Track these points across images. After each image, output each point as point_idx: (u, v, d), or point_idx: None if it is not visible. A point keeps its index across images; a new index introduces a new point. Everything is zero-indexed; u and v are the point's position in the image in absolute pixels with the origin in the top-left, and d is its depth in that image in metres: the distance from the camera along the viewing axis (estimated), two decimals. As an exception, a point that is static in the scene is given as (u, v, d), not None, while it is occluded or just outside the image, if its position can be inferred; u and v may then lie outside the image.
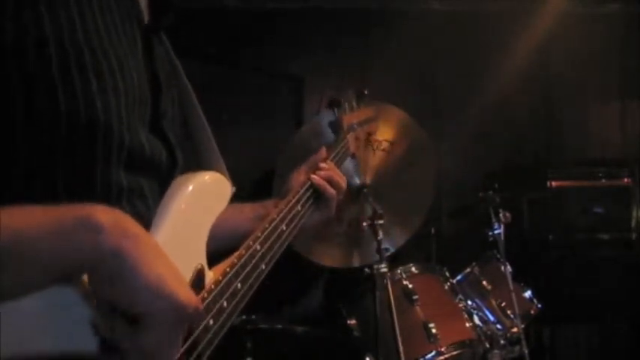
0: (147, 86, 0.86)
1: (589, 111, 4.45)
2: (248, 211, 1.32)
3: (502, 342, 2.75)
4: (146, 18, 0.91)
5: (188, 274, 0.85)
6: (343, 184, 1.44)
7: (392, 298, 2.23)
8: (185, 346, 0.77)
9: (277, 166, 2.47)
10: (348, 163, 1.83)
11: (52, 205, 0.65)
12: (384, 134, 2.50)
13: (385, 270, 2.27)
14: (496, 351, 2.71)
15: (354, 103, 1.84)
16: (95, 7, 0.77)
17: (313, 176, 1.39)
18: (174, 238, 0.85)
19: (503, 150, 4.23)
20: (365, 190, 2.43)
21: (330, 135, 2.46)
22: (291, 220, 1.21)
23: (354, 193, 2.45)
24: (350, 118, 1.77)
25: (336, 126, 1.71)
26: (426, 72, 4.23)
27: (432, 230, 3.42)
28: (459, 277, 2.91)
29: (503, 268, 2.83)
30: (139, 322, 0.67)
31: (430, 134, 2.63)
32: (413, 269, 2.66)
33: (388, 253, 2.40)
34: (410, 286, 2.56)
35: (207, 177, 0.97)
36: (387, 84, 4.11)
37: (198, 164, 1.04)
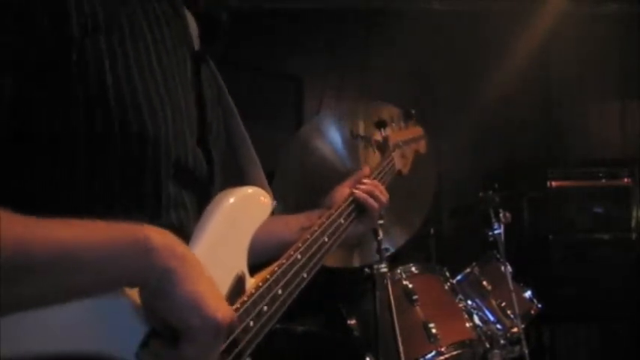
0: (193, 105, 0.95)
1: (589, 111, 4.45)
2: (293, 223, 1.38)
3: (502, 342, 2.75)
4: (196, 44, 1.01)
5: (228, 280, 0.93)
6: (384, 198, 1.51)
7: (392, 298, 2.23)
8: (225, 345, 0.84)
9: (277, 166, 2.47)
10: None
11: (113, 221, 0.73)
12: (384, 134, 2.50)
13: (385, 270, 2.27)
14: (496, 351, 2.71)
15: (402, 123, 1.89)
16: (148, 38, 0.86)
17: (355, 190, 1.46)
18: (213, 247, 0.92)
19: (503, 150, 4.23)
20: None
21: (332, 135, 2.47)
22: (333, 232, 1.27)
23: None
24: (396, 137, 1.82)
25: (381, 145, 1.77)
26: (425, 72, 4.23)
27: (432, 230, 3.42)
28: (459, 277, 2.91)
29: (503, 268, 2.83)
30: (180, 336, 0.74)
31: (430, 134, 2.63)
32: (413, 269, 2.66)
33: (388, 253, 2.40)
34: (410, 286, 2.56)
35: (249, 191, 1.05)
36: (387, 84, 4.11)
37: (241, 179, 1.12)
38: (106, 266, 0.71)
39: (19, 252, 0.65)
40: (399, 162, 1.79)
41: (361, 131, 2.46)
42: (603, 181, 3.91)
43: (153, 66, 0.85)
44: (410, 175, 2.08)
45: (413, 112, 1.97)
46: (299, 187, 2.46)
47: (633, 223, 3.88)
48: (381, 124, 1.81)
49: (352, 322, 2.60)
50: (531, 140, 4.33)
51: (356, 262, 2.59)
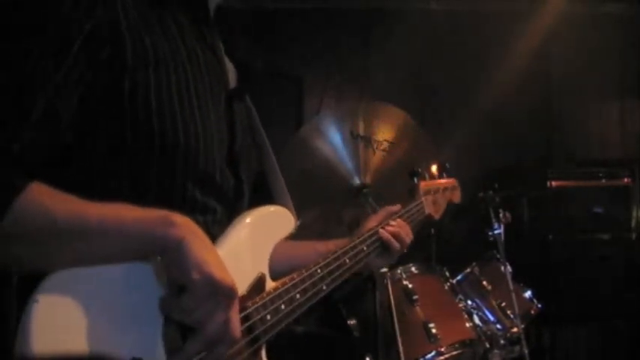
0: (225, 131, 1.14)
1: (589, 111, 4.45)
2: (322, 248, 1.51)
3: (502, 342, 2.75)
4: (232, 82, 1.22)
5: (250, 277, 1.11)
6: (408, 239, 1.67)
7: (392, 298, 2.23)
8: (244, 327, 1.02)
9: (278, 166, 2.47)
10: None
11: (146, 204, 0.94)
12: (384, 134, 2.50)
13: (385, 270, 2.27)
14: (496, 351, 2.71)
15: (436, 173, 2.07)
16: (189, 74, 1.06)
17: (381, 230, 1.61)
18: (238, 247, 1.10)
19: (503, 150, 4.23)
20: (365, 190, 2.43)
21: (332, 135, 2.47)
22: (355, 256, 1.44)
23: (354, 194, 2.45)
24: (428, 185, 1.98)
25: (413, 190, 1.94)
26: (425, 72, 4.23)
27: (432, 230, 3.42)
28: (459, 277, 2.91)
29: (503, 268, 2.83)
30: (184, 289, 0.90)
31: (430, 134, 2.63)
32: (413, 269, 2.66)
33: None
34: (410, 286, 2.56)
35: (272, 209, 1.23)
36: (387, 84, 4.11)
37: (269, 199, 1.31)
38: (136, 236, 0.90)
39: (76, 219, 0.87)
40: (431, 207, 1.96)
41: (361, 131, 2.46)
42: (603, 181, 3.91)
43: (191, 95, 1.05)
44: (409, 175, 2.09)
45: (447, 165, 2.14)
46: (299, 186, 2.46)
47: (633, 223, 3.88)
48: (414, 174, 1.99)
49: (352, 322, 2.60)
50: (531, 140, 4.33)
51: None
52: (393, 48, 4.04)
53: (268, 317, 1.09)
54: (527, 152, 4.29)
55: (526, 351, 2.73)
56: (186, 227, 0.93)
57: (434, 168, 2.08)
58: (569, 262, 3.81)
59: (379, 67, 4.12)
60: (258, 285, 1.11)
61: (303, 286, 1.20)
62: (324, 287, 1.27)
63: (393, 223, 1.66)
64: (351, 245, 1.45)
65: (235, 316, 0.95)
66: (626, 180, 3.91)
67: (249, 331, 1.05)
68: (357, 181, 2.48)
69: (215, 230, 1.09)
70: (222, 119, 1.14)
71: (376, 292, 2.27)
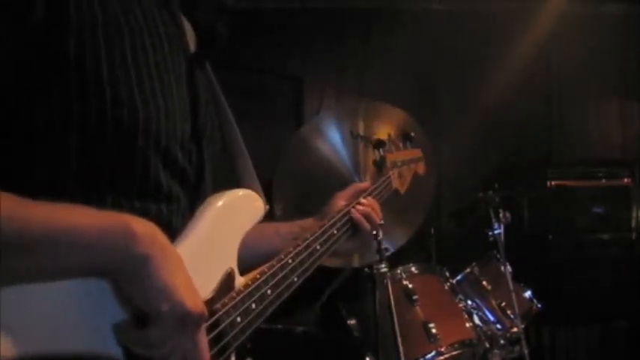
0: (187, 106, 0.99)
1: (589, 111, 4.45)
2: (284, 230, 1.41)
3: (502, 342, 2.75)
4: (192, 48, 1.05)
5: (217, 276, 0.97)
6: (378, 219, 1.55)
7: (392, 298, 2.23)
8: (211, 335, 0.89)
9: (277, 166, 2.47)
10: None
11: (101, 209, 0.78)
12: (384, 134, 2.50)
13: (385, 270, 2.27)
14: (496, 351, 2.71)
15: (400, 144, 1.96)
16: (146, 38, 0.91)
17: (353, 210, 1.49)
18: (203, 243, 0.96)
19: (503, 150, 4.23)
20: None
21: (332, 135, 2.47)
22: (325, 241, 1.31)
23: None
24: (394, 157, 1.89)
25: (379, 164, 1.84)
26: (426, 72, 4.22)
27: (432, 230, 3.42)
28: (459, 277, 2.91)
29: (503, 268, 2.83)
30: (149, 321, 0.77)
31: (430, 134, 2.63)
32: (413, 269, 2.66)
33: (388, 253, 2.40)
34: (410, 286, 2.56)
35: (242, 193, 1.08)
36: (387, 84, 4.11)
37: (235, 183, 1.14)
38: (90, 249, 0.75)
39: (15, 229, 0.69)
40: (397, 181, 1.86)
41: (361, 131, 2.47)
42: (603, 181, 3.91)
43: (149, 64, 0.90)
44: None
45: (412, 134, 2.03)
46: (299, 186, 2.47)
47: (633, 223, 3.88)
48: (379, 145, 1.89)
49: (352, 322, 2.60)
50: (531, 140, 4.32)
51: (356, 262, 2.59)
52: (393, 48, 4.04)
53: (239, 319, 0.96)
54: (527, 152, 4.29)
55: (526, 351, 2.73)
56: (149, 238, 0.78)
57: (399, 138, 1.97)
58: (569, 262, 3.81)
59: (379, 67, 4.11)
60: (227, 283, 0.98)
61: (274, 281, 1.06)
62: (296, 279, 1.14)
63: (363, 201, 1.54)
64: (322, 230, 1.32)
65: (203, 340, 0.84)
66: (626, 180, 3.91)
67: (218, 338, 0.91)
68: (356, 181, 2.48)
69: (178, 222, 0.95)
70: (184, 90, 0.98)
71: (376, 292, 2.27)
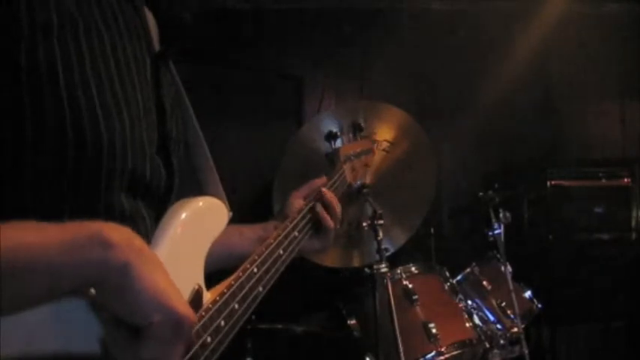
0: (154, 110, 0.91)
1: (589, 111, 4.45)
2: (248, 233, 1.36)
3: (502, 342, 2.75)
4: (156, 46, 0.96)
5: (186, 294, 0.89)
6: (339, 215, 1.47)
7: (392, 298, 2.23)
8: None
9: (277, 166, 2.47)
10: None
11: (61, 222, 0.67)
12: (384, 134, 2.50)
13: (385, 270, 2.27)
14: (496, 351, 2.71)
15: (351, 135, 1.90)
16: (105, 38, 0.81)
17: (317, 204, 1.43)
18: (169, 260, 0.85)
19: (503, 150, 4.23)
20: (365, 190, 2.43)
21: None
22: (288, 245, 1.25)
23: (354, 193, 2.45)
24: (347, 149, 1.82)
25: (332, 157, 1.76)
26: (426, 72, 4.22)
27: (432, 230, 3.42)
28: (459, 277, 2.91)
29: (503, 268, 2.83)
30: (140, 334, 0.70)
31: (430, 134, 2.63)
32: (413, 269, 2.66)
33: (388, 253, 2.40)
34: (410, 286, 2.56)
35: (203, 202, 0.99)
36: (387, 84, 4.11)
37: (197, 188, 1.08)
38: (63, 267, 0.65)
39: None
40: (350, 175, 1.79)
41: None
42: (603, 181, 3.91)
43: (110, 68, 0.82)
44: (410, 175, 2.09)
45: (362, 124, 1.97)
46: (299, 186, 2.46)
47: (633, 223, 3.88)
48: (331, 137, 1.81)
49: (352, 322, 2.60)
50: (531, 140, 4.32)
51: (356, 262, 2.59)
52: (393, 48, 4.04)
53: (209, 340, 0.87)
54: (527, 152, 4.29)
55: (526, 351, 2.73)
56: (125, 244, 0.69)
57: (349, 128, 1.89)
58: (569, 262, 3.81)
59: (379, 67, 4.12)
60: (195, 302, 0.90)
61: (241, 294, 0.99)
62: (261, 289, 1.08)
63: (326, 194, 1.47)
64: (285, 233, 1.26)
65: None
66: (626, 180, 3.91)
67: None
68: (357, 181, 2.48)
69: (148, 238, 0.88)
70: (149, 95, 0.90)
71: (376, 292, 2.27)
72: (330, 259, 2.58)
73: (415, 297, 2.53)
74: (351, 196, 2.43)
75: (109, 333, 0.71)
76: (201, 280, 0.94)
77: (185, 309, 0.73)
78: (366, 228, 2.35)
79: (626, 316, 3.94)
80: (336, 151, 1.79)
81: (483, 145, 4.21)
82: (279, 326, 2.60)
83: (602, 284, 3.76)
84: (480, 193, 2.97)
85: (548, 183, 3.85)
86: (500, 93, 4.09)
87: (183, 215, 0.93)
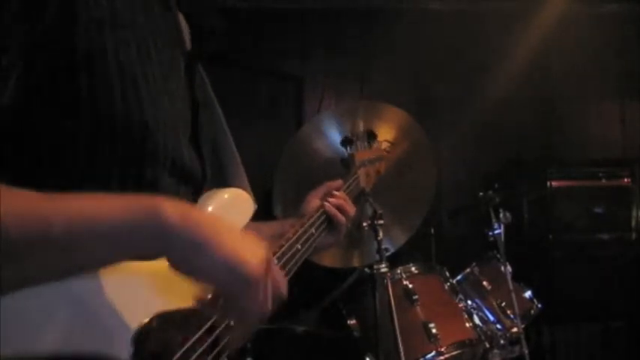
0: (188, 106, 0.99)
1: (589, 111, 4.45)
2: (266, 230, 1.40)
3: (502, 342, 2.75)
4: (188, 44, 1.05)
5: None
6: (352, 213, 1.56)
7: (392, 298, 2.23)
8: (209, 340, 0.88)
9: (277, 166, 2.47)
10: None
11: (122, 195, 0.75)
12: (384, 134, 2.50)
13: (385, 270, 2.27)
14: (496, 351, 2.71)
15: (366, 143, 1.98)
16: (148, 36, 0.90)
17: (326, 203, 1.52)
18: None
19: (503, 150, 4.23)
20: (365, 191, 2.43)
21: (332, 135, 2.46)
22: (306, 241, 1.33)
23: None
24: (362, 156, 1.89)
25: (347, 162, 1.85)
26: (425, 72, 4.22)
27: (432, 230, 3.42)
28: (459, 277, 2.91)
29: (503, 268, 2.83)
30: (222, 297, 0.80)
31: (430, 134, 2.63)
32: (413, 269, 2.66)
33: (388, 253, 2.40)
34: (410, 286, 2.56)
35: (230, 193, 1.07)
36: (387, 84, 4.11)
37: (224, 181, 1.16)
38: (120, 237, 0.71)
39: (34, 225, 0.67)
40: (364, 180, 1.86)
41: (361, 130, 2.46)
42: (603, 181, 3.91)
43: (153, 62, 0.89)
44: (410, 175, 2.09)
45: (376, 132, 2.04)
46: (299, 186, 2.46)
47: (633, 223, 3.88)
48: (346, 142, 1.90)
49: (352, 322, 2.60)
50: (531, 140, 4.32)
51: (356, 262, 2.59)
52: (393, 48, 4.04)
53: (232, 323, 0.94)
54: (527, 152, 4.29)
55: (526, 351, 2.73)
56: (182, 216, 0.74)
57: (364, 136, 1.98)
58: (569, 262, 3.81)
59: (379, 68, 4.12)
60: None
61: None
62: None
63: (335, 193, 1.56)
64: (303, 229, 1.34)
65: (271, 287, 0.85)
66: (626, 180, 3.91)
67: (214, 344, 0.89)
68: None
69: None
70: (185, 91, 0.98)
71: (376, 292, 2.27)
72: (330, 259, 2.58)
73: (415, 297, 2.53)
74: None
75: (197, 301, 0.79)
76: None
77: (257, 264, 0.79)
78: (366, 228, 2.35)
79: (626, 316, 3.94)
80: (352, 156, 1.86)
81: (483, 145, 4.21)
82: (279, 326, 2.59)
83: (602, 284, 3.76)
84: (480, 193, 2.97)
85: (548, 183, 3.85)
86: (500, 93, 4.09)
87: (213, 203, 1.00)
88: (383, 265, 2.27)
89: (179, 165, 0.93)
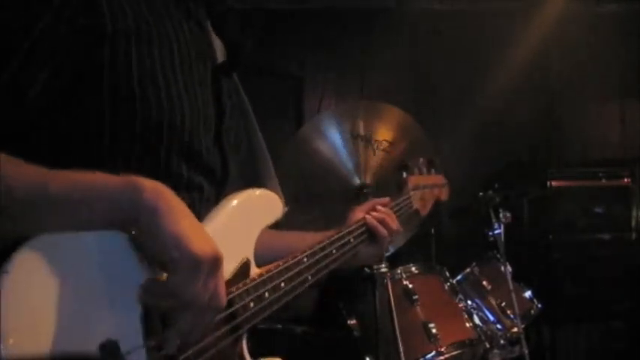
0: (212, 108, 1.09)
1: (589, 111, 4.45)
2: (309, 239, 1.45)
3: (502, 342, 2.75)
4: (220, 57, 1.18)
5: (235, 262, 1.06)
6: (394, 227, 1.61)
7: (392, 298, 2.23)
8: (225, 313, 0.98)
9: (277, 166, 2.47)
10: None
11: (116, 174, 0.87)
12: (384, 134, 2.50)
13: (385, 270, 2.27)
14: (496, 351, 2.71)
15: (424, 169, 2.02)
16: (174, 46, 1.02)
17: (367, 216, 1.57)
18: (224, 229, 1.05)
19: (503, 150, 4.23)
20: (365, 190, 2.43)
21: (332, 135, 2.47)
22: (341, 247, 1.41)
23: (354, 193, 2.45)
24: (416, 180, 1.94)
25: (400, 184, 1.90)
26: (425, 72, 4.22)
27: (432, 230, 3.42)
28: (459, 277, 2.91)
29: (503, 268, 2.83)
30: (166, 269, 0.86)
31: (430, 134, 2.63)
32: (413, 269, 2.66)
33: (388, 253, 2.40)
34: (410, 286, 2.56)
35: (260, 192, 1.18)
36: (387, 84, 4.11)
37: (257, 183, 1.27)
38: (104, 204, 0.84)
39: (34, 186, 0.81)
40: (418, 203, 1.91)
41: (361, 131, 2.47)
42: (603, 181, 3.91)
43: (175, 68, 1.01)
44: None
45: (437, 161, 2.10)
46: (299, 186, 2.47)
47: (633, 223, 3.88)
48: (403, 168, 1.96)
49: (352, 322, 2.60)
50: (531, 140, 4.33)
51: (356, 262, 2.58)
52: (393, 48, 4.04)
53: (252, 305, 1.05)
54: (527, 152, 4.29)
55: (526, 351, 2.73)
56: (156, 193, 0.86)
57: (423, 163, 2.04)
58: (569, 262, 3.81)
59: (379, 67, 4.12)
60: (243, 270, 1.08)
61: (288, 275, 1.16)
62: (310, 277, 1.23)
63: (379, 208, 1.62)
64: (339, 236, 1.42)
65: (221, 285, 0.90)
66: (626, 180, 3.91)
67: (231, 317, 1.01)
68: (357, 181, 2.48)
69: (202, 208, 1.06)
70: (209, 96, 1.10)
71: (376, 292, 2.27)
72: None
73: (415, 297, 2.53)
74: (352, 196, 2.43)
75: (146, 273, 0.86)
76: (250, 255, 1.10)
77: (201, 248, 0.86)
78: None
79: (626, 316, 3.94)
80: (405, 179, 1.91)
81: (483, 145, 4.21)
82: (279, 326, 2.60)
83: (602, 284, 3.76)
84: (480, 193, 2.97)
85: (548, 183, 3.85)
86: (500, 93, 4.09)
87: (241, 199, 1.11)
88: (383, 265, 2.27)
89: (195, 155, 1.04)
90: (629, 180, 3.90)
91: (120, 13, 0.93)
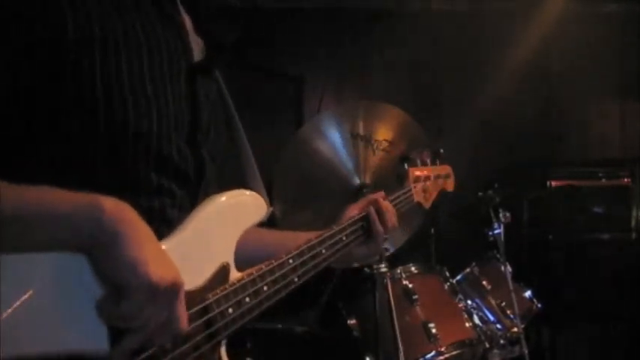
0: (186, 111, 1.05)
1: (589, 111, 4.45)
2: (303, 237, 1.40)
3: (502, 342, 2.75)
4: (198, 55, 1.12)
5: (212, 267, 1.02)
6: (391, 223, 1.54)
7: (392, 298, 2.23)
8: (201, 320, 0.96)
9: (277, 166, 2.47)
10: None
11: (77, 191, 0.83)
12: (384, 134, 2.50)
13: (385, 270, 2.27)
14: (496, 351, 2.71)
15: (428, 160, 1.96)
16: (143, 49, 0.98)
17: (370, 208, 1.50)
18: (200, 234, 1.01)
19: (503, 150, 4.23)
20: (365, 190, 2.43)
21: (332, 135, 2.47)
22: (332, 246, 1.33)
23: (354, 193, 2.45)
24: (417, 171, 1.88)
25: (401, 177, 1.84)
26: (425, 72, 4.22)
27: (432, 230, 3.42)
28: (458, 277, 2.91)
29: (503, 268, 2.83)
30: (122, 294, 0.82)
31: (430, 134, 2.63)
32: (413, 269, 2.66)
33: (388, 253, 2.40)
34: (410, 286, 2.56)
35: (242, 193, 1.12)
36: (387, 84, 4.11)
37: (240, 185, 1.19)
38: (60, 226, 0.80)
39: None
40: (420, 195, 1.86)
41: (361, 131, 2.47)
42: (603, 181, 3.91)
43: (144, 75, 0.97)
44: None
45: (441, 151, 2.03)
46: (299, 186, 2.47)
47: (633, 223, 3.88)
48: (404, 159, 1.89)
49: (352, 322, 2.60)
50: (531, 140, 4.32)
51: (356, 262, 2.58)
52: (394, 48, 4.04)
53: (230, 311, 1.01)
54: (527, 152, 4.29)
55: (526, 351, 2.73)
56: (118, 215, 0.82)
57: (426, 154, 1.97)
58: (569, 262, 3.81)
59: (379, 67, 4.12)
60: (221, 275, 1.03)
61: (271, 278, 1.10)
62: (296, 279, 1.17)
63: (381, 202, 1.54)
64: (329, 234, 1.34)
65: (182, 311, 0.88)
66: (626, 180, 3.91)
67: (207, 325, 0.97)
68: (357, 181, 2.49)
69: (174, 214, 1.02)
70: (183, 96, 1.05)
71: (376, 292, 2.27)
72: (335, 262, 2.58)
73: (415, 297, 2.53)
74: (352, 196, 2.43)
75: (102, 292, 0.82)
76: (230, 259, 1.05)
77: (159, 276, 0.83)
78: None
79: (626, 316, 3.94)
80: (406, 171, 1.85)
81: (483, 145, 4.21)
82: (279, 326, 2.60)
83: (602, 284, 3.76)
84: (480, 193, 2.97)
85: (548, 183, 3.85)
86: (500, 93, 4.09)
87: (219, 201, 1.06)
88: (383, 265, 2.27)
89: (165, 161, 1.00)
90: (629, 180, 3.90)
91: (85, 21, 0.90)
